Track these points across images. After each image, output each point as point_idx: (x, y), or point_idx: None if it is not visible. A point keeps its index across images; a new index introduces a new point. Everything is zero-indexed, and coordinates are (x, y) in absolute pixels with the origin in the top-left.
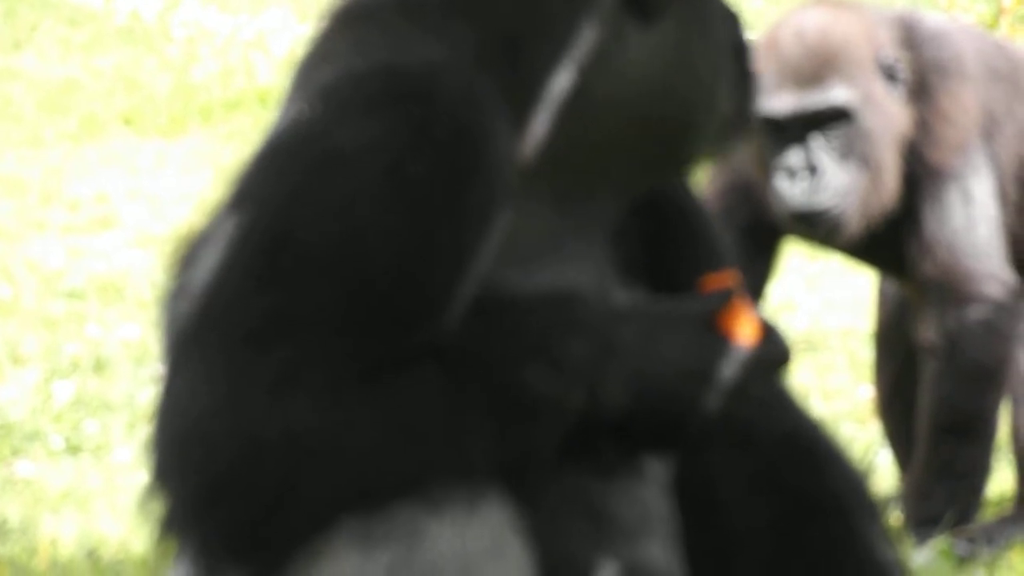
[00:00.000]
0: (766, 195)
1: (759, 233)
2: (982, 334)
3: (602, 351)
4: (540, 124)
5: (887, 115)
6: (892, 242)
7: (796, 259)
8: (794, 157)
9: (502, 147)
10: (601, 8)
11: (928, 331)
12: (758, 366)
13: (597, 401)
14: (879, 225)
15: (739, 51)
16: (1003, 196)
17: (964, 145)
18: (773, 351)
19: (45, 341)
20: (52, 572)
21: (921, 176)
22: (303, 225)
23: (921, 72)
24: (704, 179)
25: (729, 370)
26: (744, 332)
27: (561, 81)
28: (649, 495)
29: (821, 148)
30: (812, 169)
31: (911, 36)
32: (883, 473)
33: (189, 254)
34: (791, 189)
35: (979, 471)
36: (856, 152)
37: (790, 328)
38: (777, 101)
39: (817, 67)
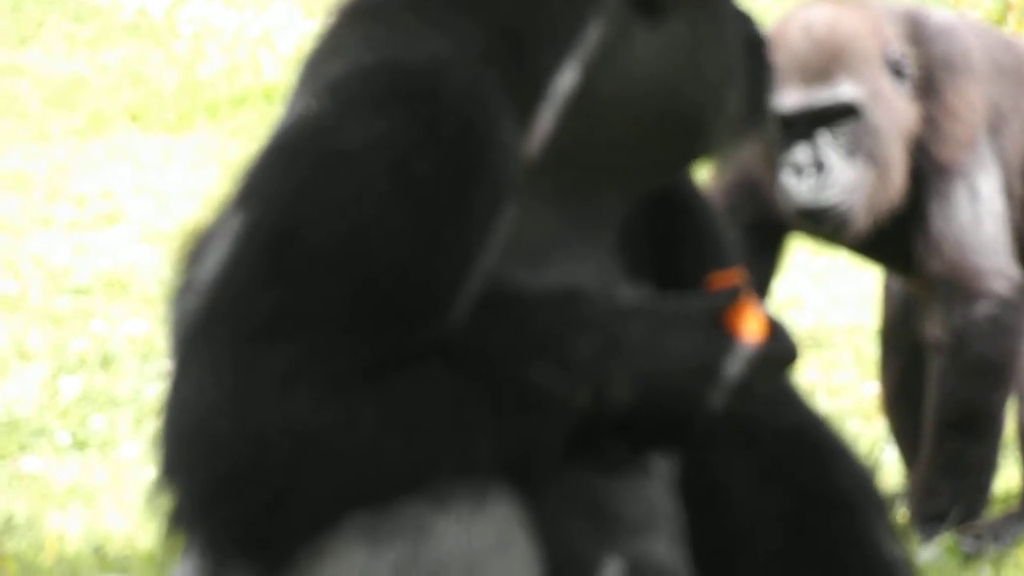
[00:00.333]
0: (772, 192)
1: (765, 229)
2: (988, 330)
3: (608, 348)
4: (545, 121)
5: (894, 111)
6: (898, 238)
7: (802, 255)
8: (801, 153)
9: (507, 144)
10: (607, 6)
11: (934, 327)
12: (764, 363)
13: (603, 398)
14: (886, 221)
15: (753, 51)
16: (1009, 192)
17: (971, 142)
18: (779, 348)
19: (51, 337)
20: (59, 568)
21: (928, 172)
22: (309, 222)
23: (928, 68)
24: (710, 176)
25: (735, 367)
26: (750, 329)
27: (567, 78)
28: (654, 492)
29: (828, 144)
30: (819, 165)
31: (918, 32)
32: (889, 470)
33: (196, 250)
34: (798, 185)
35: (985, 468)
36: (863, 148)
37: (796, 325)
38: (784, 97)
39: (824, 63)
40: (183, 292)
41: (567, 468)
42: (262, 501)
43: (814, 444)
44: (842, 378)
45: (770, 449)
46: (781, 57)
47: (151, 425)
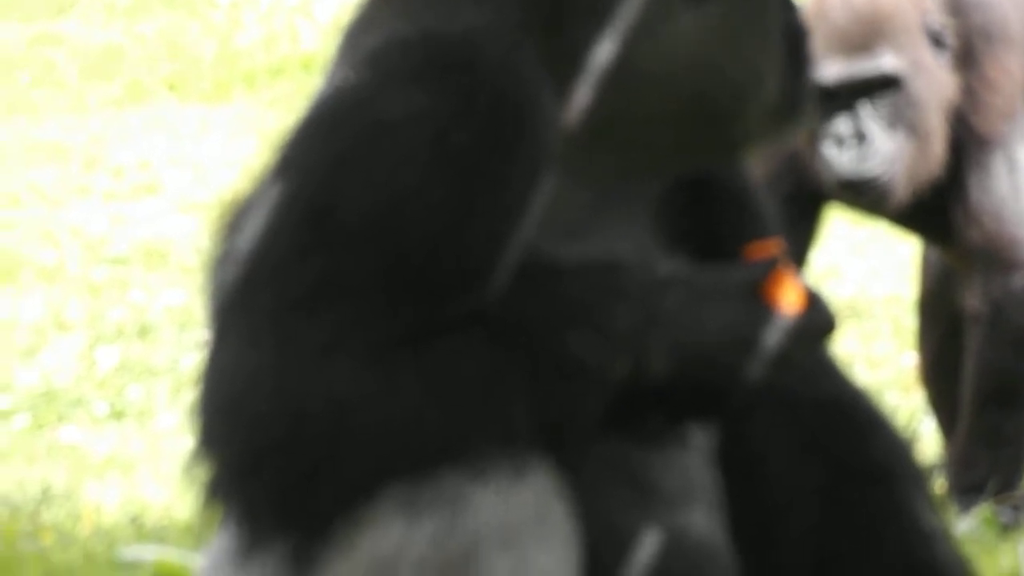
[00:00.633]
0: (812, 162)
1: (803, 200)
2: None
3: (646, 319)
4: (583, 94)
5: (935, 82)
6: (937, 209)
7: (840, 226)
8: (842, 125)
9: (545, 116)
10: None
11: (973, 298)
12: (802, 334)
13: (640, 369)
14: (925, 192)
15: (794, 41)
16: None
17: (1010, 112)
18: (818, 319)
19: (89, 307)
20: (96, 537)
21: (967, 143)
22: (348, 193)
23: (967, 38)
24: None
25: (773, 339)
26: (788, 300)
27: (605, 52)
28: (692, 464)
29: (869, 116)
30: (860, 137)
31: (957, 2)
32: (927, 441)
33: (234, 220)
34: (839, 157)
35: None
36: (904, 120)
37: (834, 296)
38: (825, 69)
39: (865, 34)
40: (221, 262)
41: (605, 440)
42: (300, 471)
43: (852, 415)
44: (881, 349)
45: (808, 421)
46: (822, 29)
47: (189, 395)
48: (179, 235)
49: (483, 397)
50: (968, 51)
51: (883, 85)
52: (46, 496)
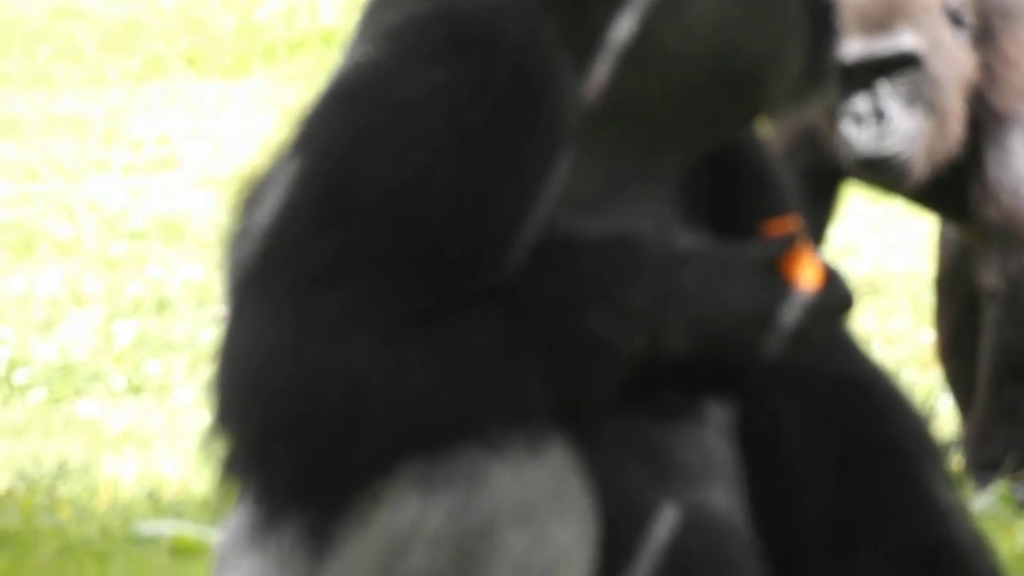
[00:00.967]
0: (831, 140)
1: (821, 177)
2: None
3: (664, 295)
4: (603, 72)
5: (953, 60)
6: (955, 187)
7: (858, 203)
8: (861, 103)
9: (564, 93)
10: None
11: (990, 275)
12: (820, 311)
13: (658, 345)
14: (943, 170)
15: (818, 13)
16: None
17: None
18: (835, 296)
19: (107, 281)
20: (113, 512)
21: (984, 121)
22: (367, 169)
23: (985, 16)
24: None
25: (791, 315)
26: (806, 277)
27: (626, 29)
28: (710, 440)
29: (888, 94)
30: (879, 115)
31: None
32: (944, 417)
33: (252, 196)
34: (858, 135)
35: None
36: (923, 98)
37: (852, 272)
38: (844, 47)
39: (884, 13)
40: (239, 237)
41: (622, 416)
42: (317, 446)
43: (869, 392)
44: (898, 326)
45: (825, 397)
46: (842, 6)
47: (206, 370)
48: (197, 210)
49: (500, 373)
50: (986, 29)
51: (902, 63)
52: (63, 471)
